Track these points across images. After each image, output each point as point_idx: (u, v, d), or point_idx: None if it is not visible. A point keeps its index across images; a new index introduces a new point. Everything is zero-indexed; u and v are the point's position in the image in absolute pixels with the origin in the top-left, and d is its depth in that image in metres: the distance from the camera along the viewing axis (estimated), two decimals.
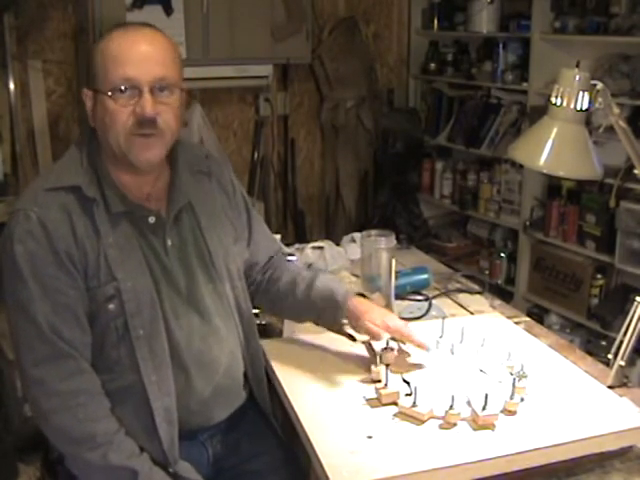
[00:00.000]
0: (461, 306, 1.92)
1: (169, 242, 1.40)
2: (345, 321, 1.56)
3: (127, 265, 1.32)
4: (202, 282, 1.43)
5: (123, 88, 1.31)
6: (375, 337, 1.50)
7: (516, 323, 1.75)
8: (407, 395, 1.33)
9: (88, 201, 1.32)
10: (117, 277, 1.30)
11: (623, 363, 1.48)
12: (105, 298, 1.30)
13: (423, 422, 1.28)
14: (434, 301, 1.91)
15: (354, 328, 1.55)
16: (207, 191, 1.50)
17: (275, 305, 1.66)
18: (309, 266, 2.11)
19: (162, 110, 1.33)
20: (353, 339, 1.60)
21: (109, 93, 1.31)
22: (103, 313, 1.31)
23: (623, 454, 1.28)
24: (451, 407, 1.27)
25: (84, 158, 1.36)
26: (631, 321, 1.48)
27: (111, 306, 1.31)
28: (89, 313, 1.31)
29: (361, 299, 1.60)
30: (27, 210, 1.28)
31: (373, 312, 1.52)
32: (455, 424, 1.27)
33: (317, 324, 1.61)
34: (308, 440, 1.26)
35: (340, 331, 1.61)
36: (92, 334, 1.32)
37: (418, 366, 1.48)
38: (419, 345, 1.47)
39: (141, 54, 1.32)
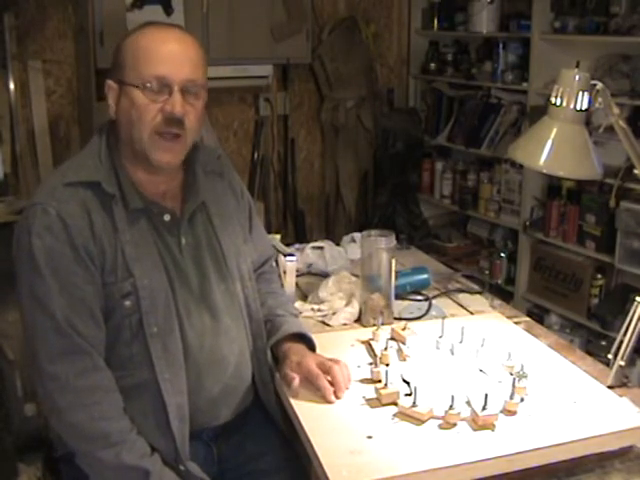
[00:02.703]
0: (461, 306, 1.92)
1: (183, 241, 1.40)
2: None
3: (143, 262, 1.32)
4: (214, 281, 1.43)
5: (155, 84, 1.31)
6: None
7: (516, 323, 1.75)
8: (407, 395, 1.33)
9: (107, 197, 1.32)
10: (134, 274, 1.30)
11: (623, 363, 1.48)
12: (121, 294, 1.31)
13: (423, 422, 1.28)
14: (434, 301, 1.91)
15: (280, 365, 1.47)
16: (219, 192, 1.51)
17: None
18: (309, 266, 2.11)
19: (189, 111, 1.34)
20: None
21: (139, 86, 1.30)
22: (118, 309, 1.31)
23: (623, 454, 1.27)
24: (451, 407, 1.27)
25: (103, 153, 1.35)
26: (631, 321, 1.48)
27: (127, 302, 1.31)
28: (104, 309, 1.31)
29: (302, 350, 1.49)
30: (45, 205, 1.27)
31: (306, 358, 1.43)
32: (455, 424, 1.27)
33: None
34: (308, 440, 1.25)
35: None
36: (106, 330, 1.31)
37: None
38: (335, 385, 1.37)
39: (174, 53, 1.33)
